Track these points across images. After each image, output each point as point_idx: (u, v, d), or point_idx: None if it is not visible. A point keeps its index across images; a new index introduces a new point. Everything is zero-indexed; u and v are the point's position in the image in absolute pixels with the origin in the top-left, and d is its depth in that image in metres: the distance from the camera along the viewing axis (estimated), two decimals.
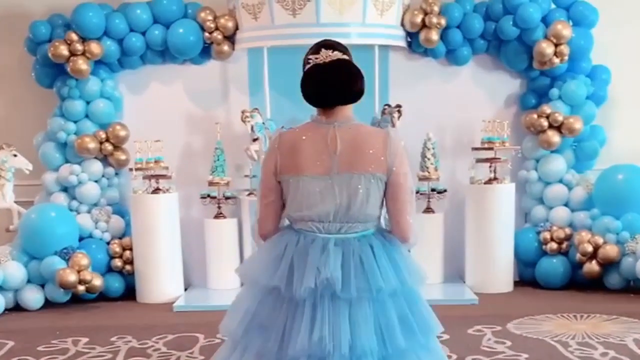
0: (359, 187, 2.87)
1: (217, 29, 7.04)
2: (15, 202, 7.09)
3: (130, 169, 6.91)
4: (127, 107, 7.40)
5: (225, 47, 7.10)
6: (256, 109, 6.87)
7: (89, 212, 7.18)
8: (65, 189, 7.24)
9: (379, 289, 2.85)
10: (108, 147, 7.15)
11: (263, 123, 6.80)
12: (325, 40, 3.06)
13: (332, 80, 2.88)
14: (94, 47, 7.01)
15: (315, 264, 2.85)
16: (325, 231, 2.92)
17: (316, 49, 2.98)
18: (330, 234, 2.91)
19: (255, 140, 6.73)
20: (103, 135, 7.14)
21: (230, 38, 7.06)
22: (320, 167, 2.90)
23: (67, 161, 7.24)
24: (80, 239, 7.00)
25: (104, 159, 7.25)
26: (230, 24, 7.02)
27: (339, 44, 3.02)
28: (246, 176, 6.94)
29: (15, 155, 7.00)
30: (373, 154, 2.89)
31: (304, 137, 2.93)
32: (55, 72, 7.24)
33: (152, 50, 7.21)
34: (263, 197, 3.01)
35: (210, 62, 7.25)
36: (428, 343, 3.01)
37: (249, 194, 6.86)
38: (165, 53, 7.22)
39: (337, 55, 2.93)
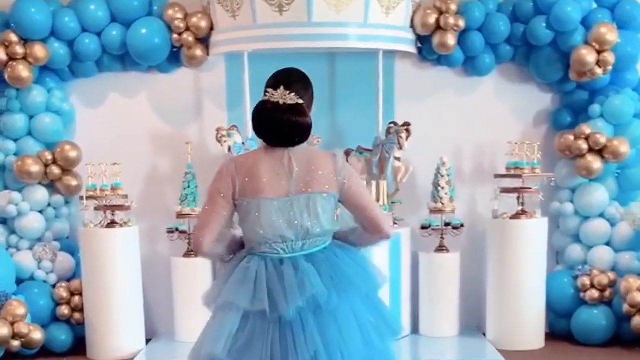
0: (317, 206, 3.23)
1: (187, 29, 6.62)
2: None
3: (81, 198, 6.49)
4: (79, 122, 7.02)
5: (198, 52, 6.68)
6: (235, 126, 6.49)
7: (30, 249, 6.70)
8: (3, 221, 6.78)
9: (358, 289, 3.25)
10: (55, 170, 6.66)
11: (243, 143, 6.39)
12: (288, 71, 3.34)
13: (283, 126, 3.19)
14: (38, 50, 6.52)
15: (294, 283, 3.16)
16: (290, 250, 3.25)
17: (277, 81, 3.25)
18: (295, 252, 3.25)
19: None
20: (49, 157, 6.65)
21: (204, 41, 6.69)
22: (279, 190, 3.22)
23: (5, 187, 6.78)
24: (19, 282, 6.59)
25: (51, 185, 6.79)
26: (203, 24, 6.61)
27: (301, 77, 3.33)
28: None
29: None
30: (325, 175, 3.24)
31: (260, 161, 3.24)
32: None
33: (110, 55, 6.76)
34: (208, 213, 3.26)
35: (180, 69, 6.91)
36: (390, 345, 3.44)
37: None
38: (125, 58, 6.80)
39: (293, 98, 3.21)
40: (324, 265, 3.25)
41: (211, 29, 6.64)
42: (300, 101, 3.26)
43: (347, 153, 6.46)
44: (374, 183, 6.36)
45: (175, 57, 6.82)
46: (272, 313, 3.16)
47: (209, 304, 3.35)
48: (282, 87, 3.23)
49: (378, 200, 6.27)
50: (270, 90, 3.26)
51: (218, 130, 6.40)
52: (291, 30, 6.16)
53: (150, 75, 6.96)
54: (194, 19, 6.62)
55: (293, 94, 3.24)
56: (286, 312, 3.14)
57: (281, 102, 3.22)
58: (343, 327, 3.20)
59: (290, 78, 3.32)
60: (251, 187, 3.24)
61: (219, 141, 6.37)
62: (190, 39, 6.63)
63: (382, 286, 3.39)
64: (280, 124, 3.21)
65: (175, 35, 6.63)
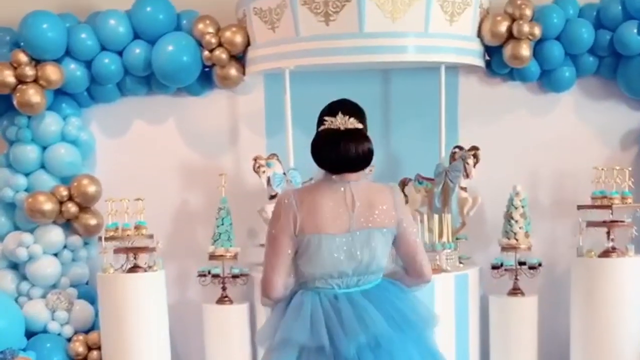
0: (377, 242, 3.37)
1: (220, 45, 6.39)
2: None
3: (100, 238, 6.29)
4: (99, 153, 6.88)
5: (232, 71, 6.46)
6: (274, 154, 6.29)
7: (44, 297, 6.53)
8: (13, 266, 6.60)
9: (414, 329, 3.36)
10: (71, 208, 6.48)
11: (284, 174, 6.18)
12: (343, 101, 3.48)
13: (346, 151, 3.32)
14: (51, 72, 6.31)
15: (352, 319, 3.26)
16: (344, 286, 3.37)
17: (333, 109, 3.40)
18: (350, 288, 3.37)
19: (272, 197, 6.12)
20: (64, 193, 6.47)
21: (239, 58, 6.49)
22: (340, 225, 3.35)
23: (15, 228, 6.62)
24: (30, 335, 6.42)
25: (66, 225, 6.62)
26: (238, 39, 6.37)
27: (357, 107, 3.47)
28: (261, 245, 5.96)
29: None
30: (386, 210, 3.39)
31: (321, 195, 3.38)
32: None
33: (133, 76, 6.57)
34: (274, 255, 3.38)
35: (213, 91, 6.72)
36: None
37: None
38: (150, 80, 6.61)
39: (353, 123, 3.36)
40: (380, 302, 3.36)
41: (247, 44, 6.43)
42: (360, 125, 3.40)
43: (405, 183, 6.31)
44: (436, 217, 5.99)
45: (206, 78, 6.65)
46: (333, 348, 3.25)
47: (263, 342, 3.45)
48: (340, 113, 3.37)
49: (441, 236, 5.96)
50: (328, 117, 3.39)
51: (256, 159, 6.21)
52: (339, 43, 5.90)
53: (178, 98, 6.82)
54: (228, 34, 6.39)
55: (352, 118, 3.38)
56: (346, 349, 3.23)
57: (342, 127, 3.35)
58: None
59: (346, 106, 3.46)
60: (312, 223, 3.35)
61: (257, 172, 6.18)
62: (224, 56, 6.41)
63: (435, 326, 3.49)
64: (343, 150, 3.33)
65: (207, 52, 6.41)
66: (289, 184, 6.16)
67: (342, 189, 3.38)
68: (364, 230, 3.36)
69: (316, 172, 6.29)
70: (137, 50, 6.45)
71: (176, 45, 6.40)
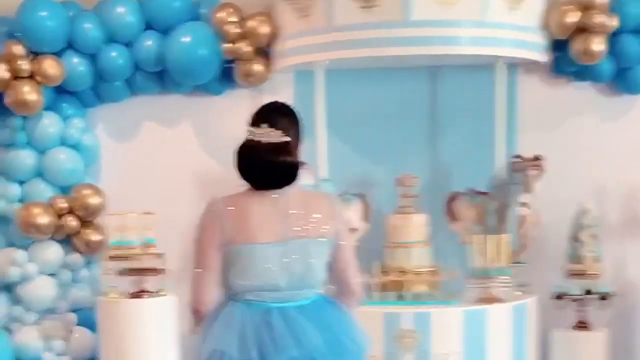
0: (313, 253, 3.30)
1: (243, 36, 6.14)
2: None
3: (102, 258, 6.12)
4: (104, 160, 6.61)
5: (257, 67, 6.22)
6: (304, 163, 5.34)
7: (38, 323, 6.28)
8: (6, 287, 6.32)
9: (351, 353, 3.32)
10: (72, 222, 6.22)
11: (314, 186, 5.78)
12: (271, 106, 3.46)
13: (267, 167, 3.29)
14: (50, 66, 6.07)
15: (285, 334, 3.21)
16: (278, 300, 3.27)
17: (257, 117, 3.38)
18: (285, 302, 3.28)
19: None
20: (64, 204, 6.21)
21: (266, 52, 6.23)
22: (272, 234, 3.29)
23: (9, 244, 6.35)
24: None
25: (66, 241, 6.35)
26: (264, 29, 6.13)
27: (289, 113, 3.43)
28: None
29: None
30: (322, 218, 3.33)
31: (250, 202, 3.33)
32: None
33: (143, 72, 6.33)
34: (201, 267, 3.34)
35: (234, 91, 6.43)
36: None
37: None
38: (163, 76, 6.36)
39: (276, 135, 3.31)
40: (316, 320, 3.30)
41: (275, 36, 6.15)
42: (286, 138, 3.37)
43: (453, 198, 5.92)
44: (490, 238, 5.61)
45: (227, 74, 6.36)
46: None
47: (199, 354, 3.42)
48: (265, 125, 3.35)
49: (496, 260, 5.61)
50: (250, 128, 3.40)
51: None
52: (380, 33, 5.57)
53: (194, 98, 6.56)
54: (252, 23, 6.14)
55: (277, 130, 3.35)
56: None
57: (263, 140, 3.34)
58: None
59: (276, 111, 3.46)
60: (242, 231, 3.32)
61: None
62: (248, 49, 6.17)
63: (367, 353, 3.47)
64: (264, 165, 3.33)
65: (228, 45, 6.16)
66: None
67: (275, 195, 3.34)
68: (299, 240, 3.31)
69: (351, 184, 6.23)
70: (149, 43, 6.22)
71: (193, 37, 6.17)
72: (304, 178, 5.78)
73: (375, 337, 5.45)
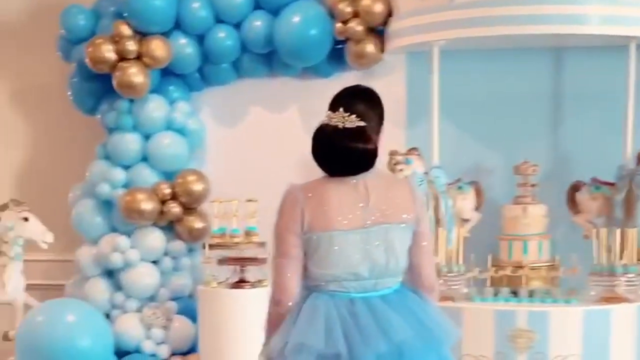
0: (396, 239, 3.28)
1: (356, 16, 5.96)
2: (32, 287, 6.23)
3: (204, 246, 5.93)
4: (209, 145, 6.60)
5: (370, 48, 6.00)
6: (415, 149, 5.81)
7: (139, 310, 6.25)
8: (108, 273, 6.30)
9: (438, 340, 3.28)
10: (175, 208, 6.17)
11: (425, 173, 5.66)
12: (351, 90, 3.43)
13: (343, 153, 3.26)
14: (157, 47, 6.00)
15: (372, 326, 3.20)
16: (361, 289, 3.25)
17: (336, 101, 3.34)
18: (368, 292, 3.26)
19: None
20: (167, 190, 6.17)
21: (379, 32, 6.02)
22: (352, 221, 3.25)
23: (113, 229, 6.32)
24: (121, 355, 6.09)
25: (169, 227, 6.32)
26: (378, 8, 5.91)
27: (368, 96, 3.40)
28: None
29: (26, 220, 6.12)
30: (403, 203, 3.30)
31: (329, 188, 3.29)
32: (99, 89, 6.31)
33: (251, 54, 6.23)
34: (283, 256, 3.29)
35: (345, 73, 6.25)
36: None
37: None
38: (271, 58, 6.26)
39: (353, 122, 3.26)
40: (401, 309, 3.28)
41: (389, 14, 5.94)
42: (362, 124, 3.34)
43: (576, 188, 5.64)
44: (617, 231, 5.26)
45: (338, 56, 6.22)
46: (350, 357, 3.19)
47: (274, 358, 3.35)
48: (341, 109, 3.33)
49: (622, 256, 5.26)
50: (328, 112, 3.38)
51: (392, 154, 5.72)
52: (501, 10, 5.31)
53: (304, 81, 6.47)
54: (365, 2, 5.93)
55: (354, 115, 3.32)
56: (365, 358, 3.18)
57: (340, 125, 3.32)
58: None
59: (355, 95, 3.43)
60: (322, 218, 3.29)
61: (393, 170, 5.70)
62: (360, 28, 5.96)
63: (454, 342, 3.42)
64: (338, 151, 3.30)
65: (340, 25, 5.98)
66: (431, 185, 5.52)
67: (354, 180, 3.30)
68: (380, 226, 3.28)
69: (464, 171, 5.93)
70: (257, 23, 6.09)
71: (303, 17, 6.01)
72: (415, 165, 5.70)
73: (485, 336, 5.24)
